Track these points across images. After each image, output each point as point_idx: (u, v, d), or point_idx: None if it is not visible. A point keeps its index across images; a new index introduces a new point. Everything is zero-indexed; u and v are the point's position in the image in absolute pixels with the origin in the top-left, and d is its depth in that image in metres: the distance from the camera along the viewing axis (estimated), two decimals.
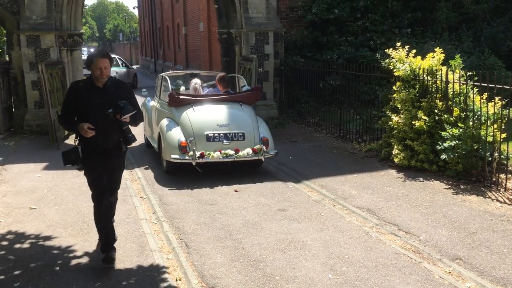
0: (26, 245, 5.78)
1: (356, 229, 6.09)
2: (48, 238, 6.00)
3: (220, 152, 8.20)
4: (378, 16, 14.20)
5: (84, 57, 19.44)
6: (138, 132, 13.33)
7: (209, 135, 8.32)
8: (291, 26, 14.81)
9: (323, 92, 12.84)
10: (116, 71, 23.57)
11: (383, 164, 8.93)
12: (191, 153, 8.09)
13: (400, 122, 8.44)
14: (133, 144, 11.47)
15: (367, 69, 10.80)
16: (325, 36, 14.29)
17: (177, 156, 8.22)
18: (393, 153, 8.60)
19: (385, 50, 9.24)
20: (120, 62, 25.75)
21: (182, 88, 10.26)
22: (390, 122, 8.76)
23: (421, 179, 7.95)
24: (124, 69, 25.63)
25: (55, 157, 10.19)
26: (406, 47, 8.95)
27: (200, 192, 7.79)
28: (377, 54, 10.59)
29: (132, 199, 7.57)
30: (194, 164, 8.15)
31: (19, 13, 12.39)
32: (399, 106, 8.60)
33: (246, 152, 8.31)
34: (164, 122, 8.87)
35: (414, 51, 8.81)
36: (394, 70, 8.81)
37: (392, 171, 8.48)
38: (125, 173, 9.01)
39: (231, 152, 8.23)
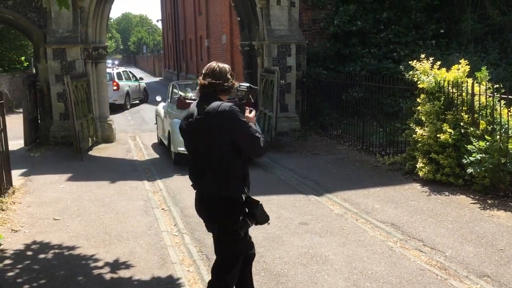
0: (50, 255, 5.83)
1: (379, 244, 5.96)
2: (71, 248, 6.04)
3: None
4: (402, 28, 14.07)
5: (109, 69, 19.70)
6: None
7: None
8: (313, 38, 14.79)
9: (345, 104, 12.75)
10: (128, 85, 22.67)
11: (407, 177, 8.77)
12: None
13: (424, 135, 8.29)
14: (154, 156, 11.68)
15: (391, 81, 10.70)
16: (347, 48, 14.22)
17: (183, 149, 9.45)
18: (418, 167, 8.45)
19: (409, 62, 9.12)
20: (131, 76, 24.26)
21: (190, 94, 11.69)
22: (414, 135, 8.62)
23: (447, 193, 7.78)
24: (136, 83, 24.23)
25: (79, 169, 10.36)
26: (431, 58, 8.82)
27: None
28: (401, 66, 10.46)
29: (154, 211, 7.58)
30: None
31: (46, 26, 12.67)
32: (423, 118, 8.47)
33: None
34: (173, 121, 10.54)
35: (438, 63, 8.68)
36: (419, 82, 8.68)
37: (417, 185, 8.32)
38: (148, 185, 9.13)
39: None
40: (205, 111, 3.45)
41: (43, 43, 12.67)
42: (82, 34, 12.73)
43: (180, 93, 11.57)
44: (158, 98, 13.22)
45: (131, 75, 24.28)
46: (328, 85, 13.15)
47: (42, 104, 13.05)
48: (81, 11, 12.49)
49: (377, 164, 9.89)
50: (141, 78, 25.01)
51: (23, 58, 24.74)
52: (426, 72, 8.65)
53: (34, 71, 25.12)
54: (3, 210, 7.41)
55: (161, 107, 12.78)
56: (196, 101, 3.66)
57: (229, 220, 3.58)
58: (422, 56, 8.93)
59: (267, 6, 13.37)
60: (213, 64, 3.60)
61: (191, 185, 3.82)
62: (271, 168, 10.19)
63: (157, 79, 49.75)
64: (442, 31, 14.36)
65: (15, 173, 9.22)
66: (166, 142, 11.35)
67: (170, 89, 12.30)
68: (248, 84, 3.79)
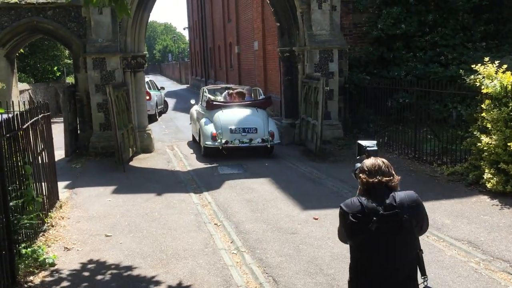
0: (108, 277, 5.52)
1: (461, 265, 5.47)
2: (129, 268, 5.73)
3: (239, 141, 11.61)
4: (448, 30, 13.47)
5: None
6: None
7: (232, 128, 11.67)
8: (354, 42, 14.33)
9: (390, 110, 12.24)
10: (156, 94, 21.66)
11: (472, 189, 8.22)
12: (219, 140, 11.45)
13: (491, 144, 7.75)
14: (196, 166, 11.38)
15: (439, 85, 10.18)
16: (391, 52, 13.70)
17: (209, 143, 11.69)
18: (485, 178, 7.90)
19: (472, 66, 8.58)
20: (154, 85, 23.01)
21: (219, 97, 13.66)
22: (478, 144, 8.08)
23: None
24: (158, 93, 22.88)
25: (122, 180, 10.11)
26: (496, 62, 8.27)
27: (278, 219, 7.37)
28: (461, 71, 9.90)
29: (207, 226, 7.24)
30: (220, 148, 11.53)
31: (85, 36, 12.54)
32: (489, 126, 7.93)
33: (256, 141, 11.64)
34: (203, 120, 12.34)
35: (505, 66, 8.12)
36: (482, 87, 8.15)
37: (485, 197, 7.78)
38: (195, 198, 8.80)
39: (246, 140, 11.63)
40: (396, 204, 3.15)
41: (82, 53, 12.54)
42: (121, 43, 12.55)
43: (209, 96, 13.16)
44: (192, 101, 14.84)
45: (154, 85, 23.39)
46: (371, 91, 12.66)
47: (81, 115, 12.90)
48: (120, 19, 12.30)
49: (434, 174, 9.36)
50: (162, 88, 24.24)
51: (55, 68, 24.88)
52: (490, 76, 8.11)
53: (67, 81, 25.32)
54: (52, 226, 7.16)
55: (194, 109, 14.33)
56: (361, 199, 3.23)
57: None
58: (486, 59, 8.38)
59: (308, 10, 12.97)
60: (378, 161, 3.28)
61: None
62: (320, 179, 9.76)
63: (184, 86, 49.87)
64: (490, 32, 13.71)
65: (60, 185, 8.98)
66: (197, 138, 13.06)
67: (201, 92, 13.98)
68: (367, 143, 3.46)
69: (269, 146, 11.66)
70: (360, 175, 3.33)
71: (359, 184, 3.30)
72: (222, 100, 13.21)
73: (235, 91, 13.54)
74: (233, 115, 11.90)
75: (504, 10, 13.86)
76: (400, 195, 3.19)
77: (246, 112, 12.09)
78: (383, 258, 3.20)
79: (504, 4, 13.82)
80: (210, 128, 11.71)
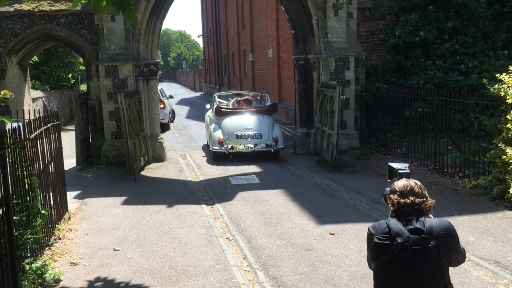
0: None
1: (489, 287, 5.11)
2: (137, 287, 5.46)
3: (244, 146, 12.28)
4: (469, 38, 13.08)
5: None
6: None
7: (238, 134, 12.43)
8: (371, 50, 14.01)
9: (408, 120, 11.88)
10: (169, 103, 20.73)
11: (497, 204, 7.84)
12: (226, 146, 12.24)
13: None
14: (208, 176, 11.15)
15: (460, 94, 9.82)
16: (409, 60, 13.34)
17: (217, 147, 12.47)
18: (510, 192, 7.51)
19: (496, 75, 8.22)
20: (163, 94, 21.68)
21: (231, 102, 14.38)
22: (504, 156, 7.71)
23: None
24: (168, 101, 21.89)
25: (133, 191, 9.90)
26: None
27: (292, 234, 7.07)
28: (484, 80, 9.53)
29: (218, 241, 6.96)
30: (226, 152, 12.27)
31: (98, 43, 12.42)
32: None
33: (261, 146, 12.31)
34: (212, 126, 13.20)
35: None
36: (507, 97, 7.79)
37: (510, 213, 7.39)
38: (207, 210, 8.54)
39: (251, 145, 12.29)
40: (425, 230, 2.96)
41: (95, 61, 12.42)
42: (134, 51, 12.41)
43: (219, 102, 14.26)
44: (208, 106, 15.49)
45: (163, 93, 22.22)
46: (389, 99, 12.31)
47: (93, 123, 12.75)
48: (133, 27, 12.15)
49: (456, 188, 8.97)
50: (171, 96, 23.58)
51: (70, 75, 24.92)
52: None
53: (81, 88, 25.34)
54: (60, 239, 6.95)
55: (207, 114, 15.05)
56: (389, 220, 3.03)
57: None
58: (511, 68, 8.02)
59: (324, 17, 12.70)
60: (411, 182, 3.08)
61: None
62: (337, 191, 9.43)
63: (198, 94, 49.84)
64: (511, 40, 13.30)
65: (69, 195, 8.82)
66: (208, 143, 13.82)
67: (213, 99, 14.92)
68: (399, 165, 3.23)
69: (272, 151, 12.35)
70: (391, 195, 3.09)
71: (389, 207, 3.05)
72: (230, 106, 13.94)
73: (243, 98, 14.15)
74: (240, 122, 12.69)
75: None
76: (431, 221, 2.99)
77: (252, 118, 12.86)
78: (405, 286, 2.98)
79: None
80: (218, 134, 12.57)
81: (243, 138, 12.37)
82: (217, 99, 14.83)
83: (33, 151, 6.25)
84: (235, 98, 14.52)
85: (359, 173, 10.78)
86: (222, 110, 13.19)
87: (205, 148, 14.48)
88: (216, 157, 12.70)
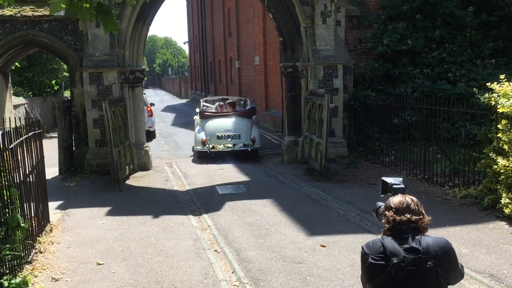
0: None
1: None
2: None
3: (224, 145, 13.55)
4: (456, 47, 13.12)
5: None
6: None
7: (219, 135, 13.73)
8: (359, 58, 13.97)
9: (396, 128, 11.83)
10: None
11: (488, 214, 7.76)
12: (207, 145, 13.53)
13: (509, 167, 7.31)
14: (195, 185, 10.93)
15: (448, 103, 9.79)
16: (397, 68, 13.33)
17: (200, 147, 13.81)
18: (502, 202, 7.43)
19: (487, 84, 8.18)
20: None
21: (214, 106, 15.94)
22: (495, 166, 7.64)
23: None
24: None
25: (118, 201, 9.64)
26: None
27: (282, 246, 6.89)
28: (474, 89, 9.50)
29: (206, 253, 6.75)
30: (208, 152, 13.54)
31: (82, 50, 12.15)
32: (506, 147, 7.49)
33: (239, 146, 13.51)
34: (197, 128, 14.47)
35: None
36: (498, 106, 7.73)
37: (502, 223, 7.31)
38: (194, 221, 8.33)
39: (230, 145, 13.53)
40: (421, 249, 2.80)
41: (79, 67, 12.15)
42: (119, 57, 12.16)
43: (202, 106, 15.95)
44: (197, 110, 16.21)
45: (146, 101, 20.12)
46: (377, 108, 12.24)
47: (77, 131, 12.45)
48: (119, 33, 11.91)
49: (446, 197, 8.89)
50: (152, 104, 22.68)
51: (53, 82, 24.49)
52: (506, 95, 7.70)
53: (64, 95, 24.91)
54: (41, 252, 6.68)
55: (195, 117, 16.07)
56: (384, 239, 2.86)
57: None
58: (502, 77, 7.99)
59: (312, 25, 12.62)
60: (407, 199, 2.92)
61: None
62: (326, 201, 9.28)
63: (184, 101, 49.52)
64: (498, 49, 13.37)
65: (51, 206, 8.54)
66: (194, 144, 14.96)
67: (200, 104, 16.62)
68: (393, 180, 3.08)
69: (250, 150, 13.54)
70: (386, 212, 2.92)
71: (383, 224, 2.90)
72: (213, 110, 15.28)
73: (226, 102, 15.60)
74: (221, 124, 13.97)
75: None
76: (427, 239, 2.82)
77: (232, 120, 14.08)
78: None
79: None
80: (201, 135, 13.89)
81: (223, 139, 13.61)
82: (203, 104, 16.40)
83: (13, 161, 5.99)
84: (217, 103, 15.97)
85: (348, 182, 10.66)
86: (205, 113, 14.50)
87: (191, 161, 14.22)
88: (200, 156, 14.03)
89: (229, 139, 13.61)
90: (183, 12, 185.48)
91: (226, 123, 13.94)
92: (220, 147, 13.50)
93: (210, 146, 13.48)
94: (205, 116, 14.31)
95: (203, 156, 13.87)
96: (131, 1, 4.27)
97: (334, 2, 12.43)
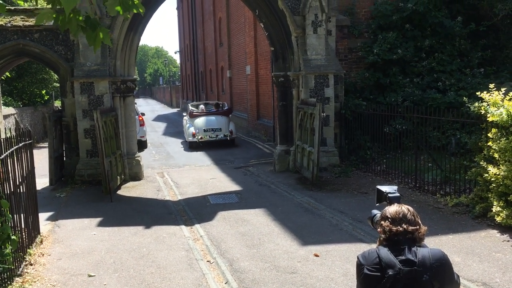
0: None
1: None
2: None
3: (209, 136, 18.22)
4: (445, 56, 13.25)
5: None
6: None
7: (205, 129, 18.32)
8: (350, 67, 14.06)
9: (387, 137, 11.88)
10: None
11: (480, 222, 7.79)
12: (197, 137, 18.10)
13: (500, 175, 7.36)
14: (187, 195, 10.89)
15: (438, 112, 9.88)
16: (387, 78, 13.42)
17: (191, 139, 18.39)
18: (493, 210, 7.48)
19: (477, 93, 8.25)
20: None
21: (199, 108, 20.30)
22: (485, 174, 7.69)
23: None
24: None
25: (109, 211, 9.57)
26: (503, 89, 7.96)
27: (275, 256, 6.87)
28: (465, 98, 9.59)
29: (199, 264, 6.71)
30: (197, 141, 18.14)
31: (73, 59, 12.11)
32: (496, 156, 7.55)
33: (220, 136, 18.25)
34: (187, 125, 19.38)
35: (511, 93, 7.79)
36: (488, 115, 7.80)
37: (494, 231, 7.35)
38: (186, 231, 8.28)
39: (214, 136, 18.23)
40: (417, 261, 2.77)
41: (70, 77, 12.09)
42: (111, 67, 12.14)
43: (191, 109, 20.13)
44: (184, 114, 20.46)
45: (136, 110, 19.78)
46: (368, 117, 12.31)
47: (68, 141, 12.37)
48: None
49: (438, 206, 8.92)
50: (143, 114, 22.39)
51: (44, 91, 24.35)
52: (496, 104, 7.78)
53: (55, 104, 24.76)
54: (31, 264, 6.59)
55: (184, 118, 21.51)
56: (380, 250, 2.83)
57: None
58: (491, 86, 8.07)
59: (303, 35, 12.69)
60: (403, 208, 2.90)
61: None
62: (319, 210, 9.28)
63: (175, 110, 49.42)
64: (487, 58, 13.52)
65: (41, 217, 8.44)
66: (185, 137, 19.78)
67: (188, 107, 21.07)
68: (388, 188, 3.07)
69: (228, 139, 18.33)
70: (382, 222, 2.91)
71: (379, 233, 2.89)
72: (199, 111, 19.74)
73: (210, 103, 21.58)
74: (206, 121, 18.62)
75: (501, 36, 13.72)
76: (423, 251, 2.79)
77: (214, 118, 18.78)
78: None
79: (501, 30, 13.67)
80: (191, 130, 18.50)
81: (209, 131, 18.32)
82: (191, 107, 20.77)
83: (3, 172, 5.93)
84: (201, 106, 20.63)
85: (340, 191, 10.67)
86: (194, 113, 19.37)
87: (182, 171, 14.32)
88: (191, 146, 18.57)
89: (213, 131, 18.32)
90: (174, 21, 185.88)
91: (210, 120, 18.63)
92: (207, 138, 18.16)
93: (199, 137, 18.08)
94: (193, 116, 19.14)
95: (193, 147, 18.41)
96: (126, 15, 4.26)
97: (325, 12, 12.52)
